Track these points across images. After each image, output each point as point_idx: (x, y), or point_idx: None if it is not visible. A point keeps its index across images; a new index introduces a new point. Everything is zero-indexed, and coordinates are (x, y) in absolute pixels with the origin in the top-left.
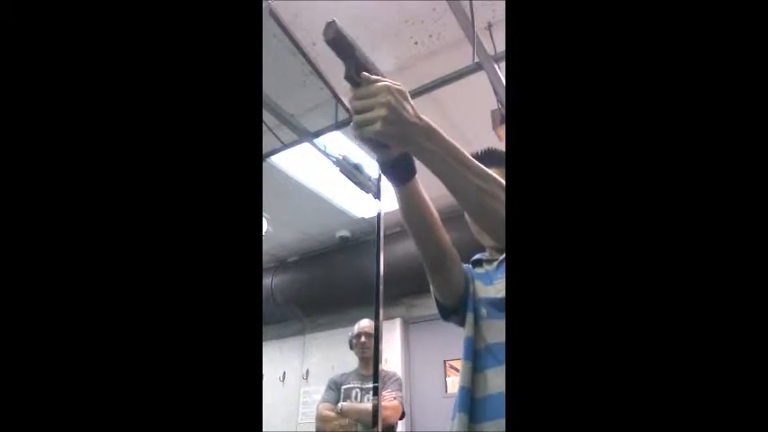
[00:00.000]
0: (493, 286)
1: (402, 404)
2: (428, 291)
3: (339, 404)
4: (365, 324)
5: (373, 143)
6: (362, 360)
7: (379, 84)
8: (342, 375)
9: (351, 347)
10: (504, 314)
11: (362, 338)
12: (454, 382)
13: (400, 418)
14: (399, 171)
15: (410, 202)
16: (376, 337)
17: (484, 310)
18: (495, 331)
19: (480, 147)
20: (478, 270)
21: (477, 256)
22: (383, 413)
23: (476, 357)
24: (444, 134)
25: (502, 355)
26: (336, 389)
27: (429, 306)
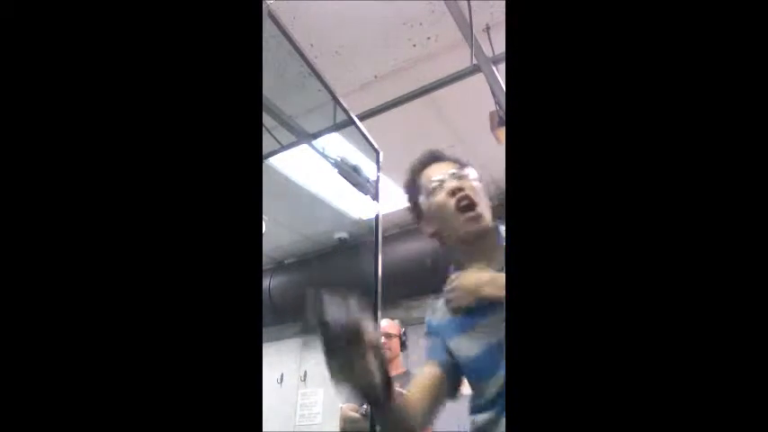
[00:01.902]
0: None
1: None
2: (427, 293)
3: (364, 406)
4: (385, 325)
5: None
6: None
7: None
8: None
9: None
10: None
11: (383, 339)
12: None
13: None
14: None
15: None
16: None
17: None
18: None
19: (479, 148)
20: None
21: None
22: None
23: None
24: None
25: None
26: None
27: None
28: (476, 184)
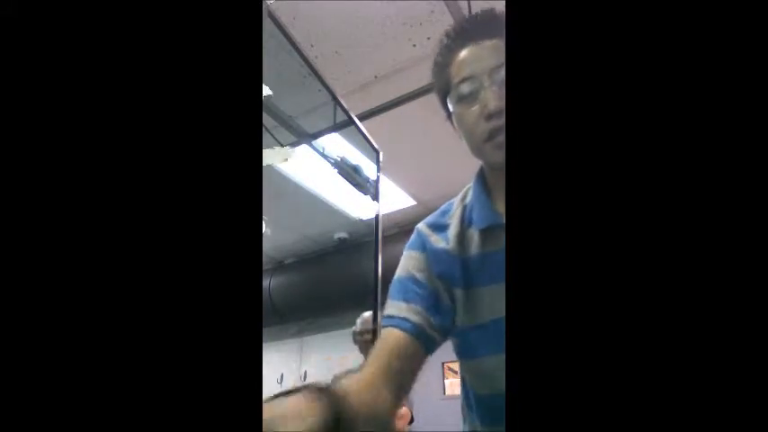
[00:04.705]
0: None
1: (411, 409)
2: None
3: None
4: (369, 316)
5: None
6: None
7: None
8: None
9: (355, 342)
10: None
11: (366, 336)
12: (452, 384)
13: (409, 423)
14: None
15: None
16: (374, 339)
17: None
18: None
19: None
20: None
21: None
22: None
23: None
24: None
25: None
26: None
27: None
28: None
